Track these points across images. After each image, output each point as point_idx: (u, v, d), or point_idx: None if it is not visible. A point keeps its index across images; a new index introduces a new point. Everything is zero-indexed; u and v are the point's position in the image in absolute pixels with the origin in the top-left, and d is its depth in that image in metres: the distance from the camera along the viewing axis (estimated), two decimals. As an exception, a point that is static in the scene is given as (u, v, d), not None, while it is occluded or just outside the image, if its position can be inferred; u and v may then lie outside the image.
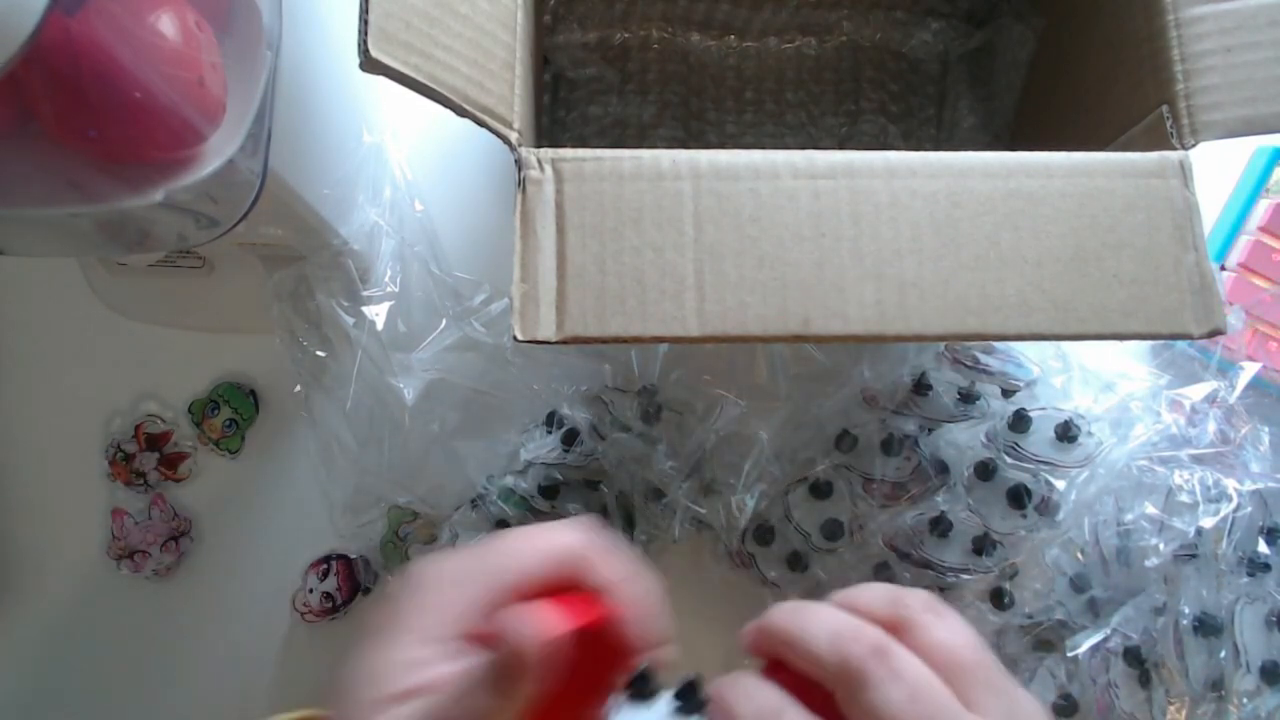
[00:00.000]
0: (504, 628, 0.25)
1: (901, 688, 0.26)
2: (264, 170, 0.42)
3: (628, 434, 0.53)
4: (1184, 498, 0.51)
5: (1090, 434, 0.51)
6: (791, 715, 0.28)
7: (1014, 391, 0.53)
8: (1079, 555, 0.54)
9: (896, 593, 0.30)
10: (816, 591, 0.54)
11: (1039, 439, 0.51)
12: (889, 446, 0.52)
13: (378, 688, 0.27)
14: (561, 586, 0.29)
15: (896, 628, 0.29)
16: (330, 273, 0.56)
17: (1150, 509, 0.51)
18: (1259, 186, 0.61)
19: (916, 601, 0.30)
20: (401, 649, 0.28)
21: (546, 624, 0.25)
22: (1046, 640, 0.53)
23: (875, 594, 0.31)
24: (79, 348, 0.61)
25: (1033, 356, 0.54)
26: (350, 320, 0.56)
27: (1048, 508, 0.51)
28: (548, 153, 0.36)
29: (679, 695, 0.30)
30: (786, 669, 0.30)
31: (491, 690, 0.25)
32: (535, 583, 0.29)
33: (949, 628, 0.29)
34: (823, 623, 0.29)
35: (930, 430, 0.53)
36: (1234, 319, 0.56)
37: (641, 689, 0.30)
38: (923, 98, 0.64)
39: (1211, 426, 0.53)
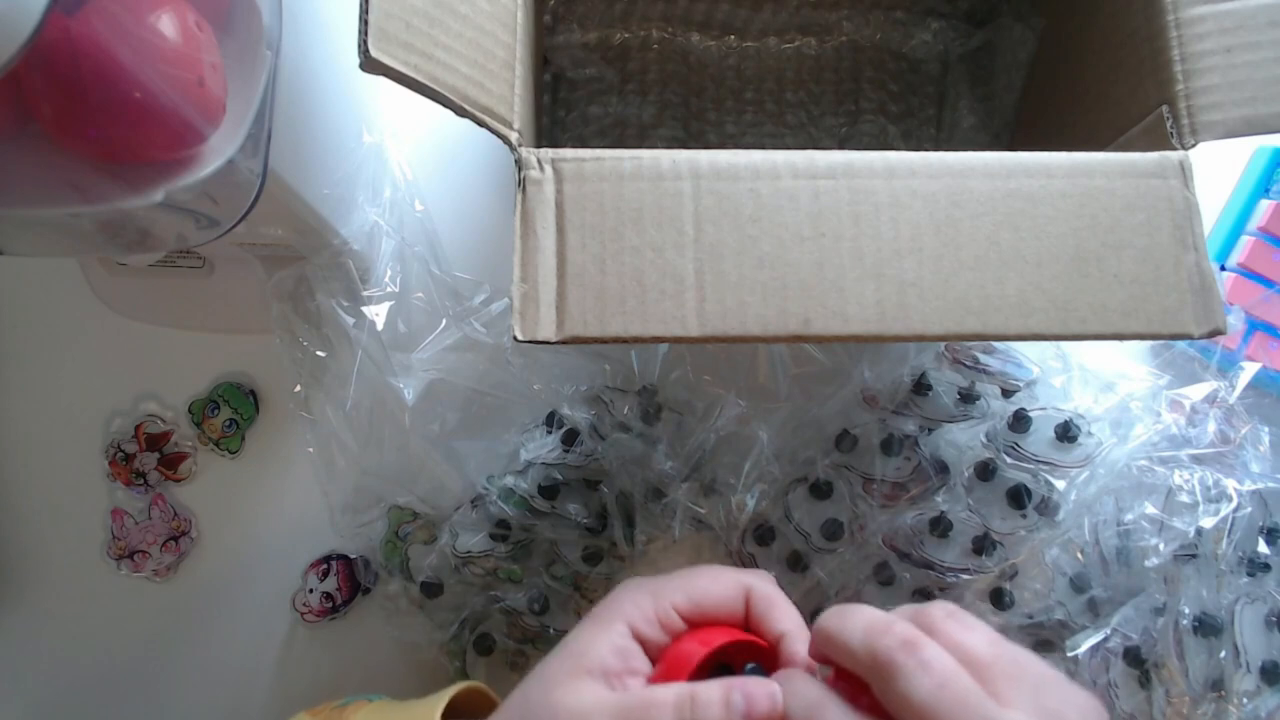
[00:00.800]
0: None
1: (930, 677, 0.28)
2: (264, 170, 0.42)
3: (628, 434, 0.53)
4: (1184, 498, 0.51)
5: (1090, 434, 0.51)
6: (832, 709, 0.30)
7: (1014, 391, 0.53)
8: (1079, 555, 0.54)
9: (919, 606, 0.33)
10: (816, 591, 0.54)
11: (1039, 439, 0.51)
12: (889, 446, 0.52)
13: (583, 659, 0.33)
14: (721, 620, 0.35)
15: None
16: (330, 273, 0.56)
17: (1150, 509, 0.52)
18: (1259, 186, 0.61)
19: (938, 610, 0.32)
20: (613, 635, 0.34)
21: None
22: (1046, 640, 0.53)
23: (902, 609, 0.33)
24: (79, 348, 0.61)
25: (1033, 356, 0.54)
26: (350, 320, 0.56)
27: (1048, 508, 0.51)
28: (548, 153, 0.36)
29: None
30: (849, 677, 0.32)
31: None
32: (722, 608, 0.35)
33: (969, 630, 0.31)
34: (858, 619, 0.31)
35: (930, 430, 0.53)
36: (1234, 319, 0.56)
37: None
38: (923, 98, 0.64)
39: (1211, 426, 0.53)
